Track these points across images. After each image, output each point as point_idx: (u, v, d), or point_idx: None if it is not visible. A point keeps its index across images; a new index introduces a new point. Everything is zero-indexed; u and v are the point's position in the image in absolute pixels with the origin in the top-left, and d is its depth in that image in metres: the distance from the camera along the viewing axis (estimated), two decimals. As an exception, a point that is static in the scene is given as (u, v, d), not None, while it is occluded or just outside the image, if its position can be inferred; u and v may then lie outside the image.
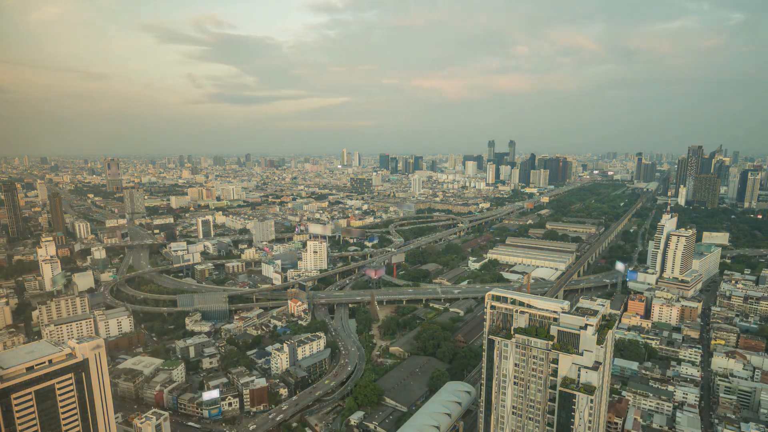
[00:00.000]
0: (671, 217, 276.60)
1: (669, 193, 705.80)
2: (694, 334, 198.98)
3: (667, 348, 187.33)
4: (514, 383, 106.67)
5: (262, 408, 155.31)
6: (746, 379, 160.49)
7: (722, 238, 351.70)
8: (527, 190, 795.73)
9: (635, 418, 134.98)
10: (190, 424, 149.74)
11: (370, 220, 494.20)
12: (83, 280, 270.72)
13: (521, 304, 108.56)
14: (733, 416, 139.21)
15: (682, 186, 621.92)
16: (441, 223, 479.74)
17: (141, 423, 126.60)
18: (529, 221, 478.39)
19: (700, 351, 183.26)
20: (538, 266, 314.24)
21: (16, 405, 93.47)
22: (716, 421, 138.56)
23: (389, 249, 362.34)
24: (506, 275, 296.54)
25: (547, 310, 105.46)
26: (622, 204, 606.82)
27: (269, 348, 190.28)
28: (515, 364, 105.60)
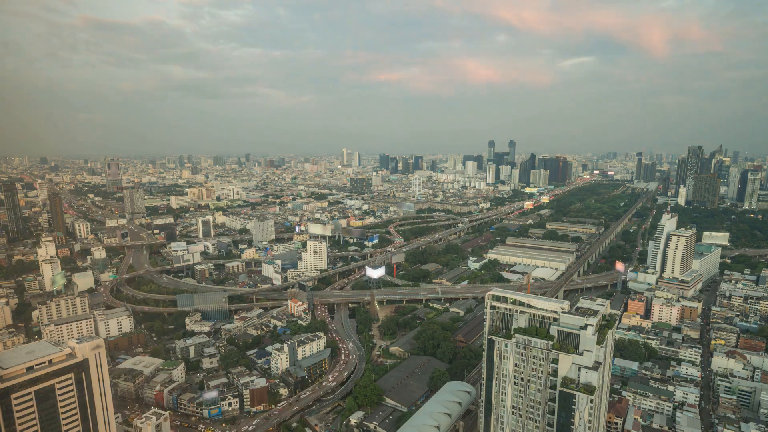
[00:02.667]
0: (671, 217, 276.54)
1: (669, 193, 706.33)
2: (694, 334, 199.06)
3: (667, 348, 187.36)
4: (514, 383, 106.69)
5: (262, 408, 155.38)
6: (746, 379, 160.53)
7: (722, 238, 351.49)
8: (527, 190, 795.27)
9: (635, 418, 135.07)
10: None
11: (370, 220, 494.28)
12: (83, 280, 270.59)
13: (521, 304, 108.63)
14: (733, 416, 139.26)
15: (682, 186, 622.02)
16: (441, 223, 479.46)
17: (141, 423, 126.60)
18: (529, 221, 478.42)
19: (700, 351, 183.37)
20: (538, 266, 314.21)
21: (16, 405, 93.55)
22: (716, 421, 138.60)
23: (389, 249, 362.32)
24: (506, 275, 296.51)
25: (547, 310, 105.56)
26: (622, 204, 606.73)
27: (269, 348, 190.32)
28: (515, 364, 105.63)
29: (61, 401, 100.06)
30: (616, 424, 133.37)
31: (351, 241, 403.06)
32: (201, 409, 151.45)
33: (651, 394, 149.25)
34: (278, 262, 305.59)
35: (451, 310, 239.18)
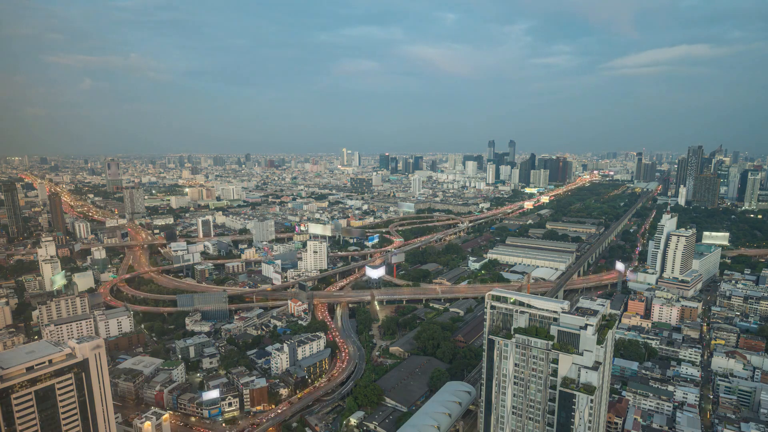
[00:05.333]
0: (671, 217, 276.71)
1: (669, 193, 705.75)
2: (694, 334, 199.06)
3: (667, 348, 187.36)
4: (514, 383, 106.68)
5: (262, 408, 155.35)
6: (746, 379, 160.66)
7: (722, 238, 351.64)
8: (527, 190, 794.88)
9: (635, 418, 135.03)
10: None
11: (370, 220, 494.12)
12: (83, 280, 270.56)
13: (521, 304, 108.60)
14: (733, 416, 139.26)
15: (682, 186, 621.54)
16: (441, 223, 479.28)
17: (141, 423, 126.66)
18: (529, 221, 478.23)
19: (700, 351, 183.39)
20: (538, 266, 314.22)
21: (16, 405, 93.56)
22: (716, 421, 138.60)
23: (389, 249, 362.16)
24: (506, 275, 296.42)
25: (547, 310, 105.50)
26: (622, 204, 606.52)
27: (269, 348, 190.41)
28: (515, 364, 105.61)
29: (61, 401, 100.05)
30: (616, 424, 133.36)
31: (351, 241, 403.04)
32: (201, 409, 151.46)
33: (651, 394, 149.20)
34: (278, 262, 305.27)
35: (451, 310, 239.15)
